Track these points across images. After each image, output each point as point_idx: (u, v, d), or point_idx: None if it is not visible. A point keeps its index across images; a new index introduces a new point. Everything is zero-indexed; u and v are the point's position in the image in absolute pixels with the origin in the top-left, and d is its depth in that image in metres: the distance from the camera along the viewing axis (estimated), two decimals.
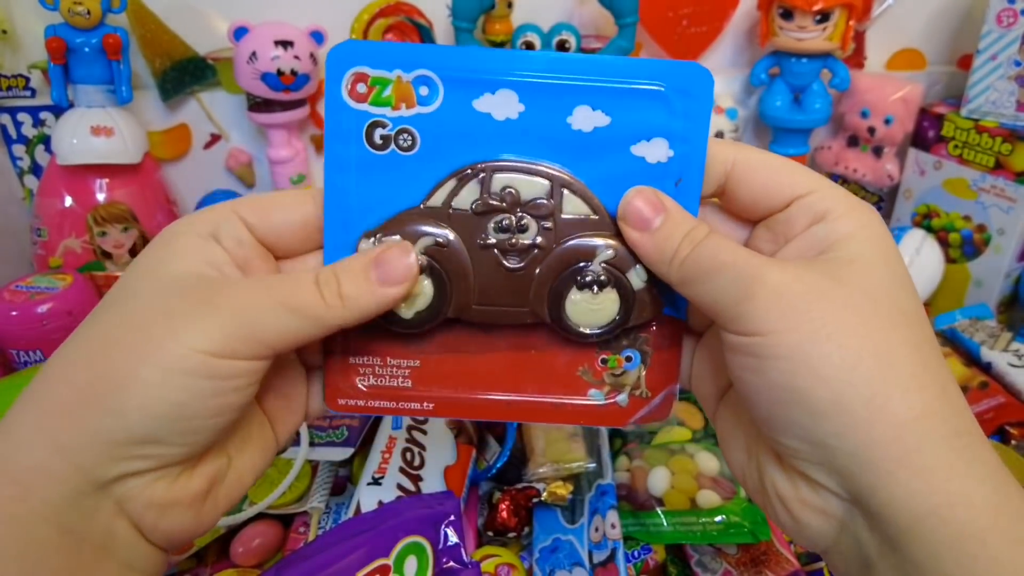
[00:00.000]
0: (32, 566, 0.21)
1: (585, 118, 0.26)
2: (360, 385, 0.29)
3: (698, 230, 0.25)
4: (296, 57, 0.67)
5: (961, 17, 0.78)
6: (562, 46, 0.69)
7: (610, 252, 0.27)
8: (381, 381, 0.29)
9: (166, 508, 0.24)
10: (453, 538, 0.39)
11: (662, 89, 0.26)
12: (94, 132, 0.66)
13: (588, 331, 0.28)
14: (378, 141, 0.26)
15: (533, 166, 0.27)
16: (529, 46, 0.69)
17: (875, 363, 0.21)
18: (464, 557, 0.39)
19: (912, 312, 0.23)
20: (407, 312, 0.27)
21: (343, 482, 0.54)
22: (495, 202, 0.27)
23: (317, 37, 0.70)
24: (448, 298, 0.27)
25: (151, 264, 0.24)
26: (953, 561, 0.20)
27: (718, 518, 0.47)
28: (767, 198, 0.26)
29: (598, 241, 0.27)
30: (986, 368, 0.60)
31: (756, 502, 0.26)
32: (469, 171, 0.27)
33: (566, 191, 0.27)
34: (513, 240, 0.27)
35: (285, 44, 0.67)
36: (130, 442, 0.22)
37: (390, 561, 0.37)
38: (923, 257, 0.72)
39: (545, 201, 0.27)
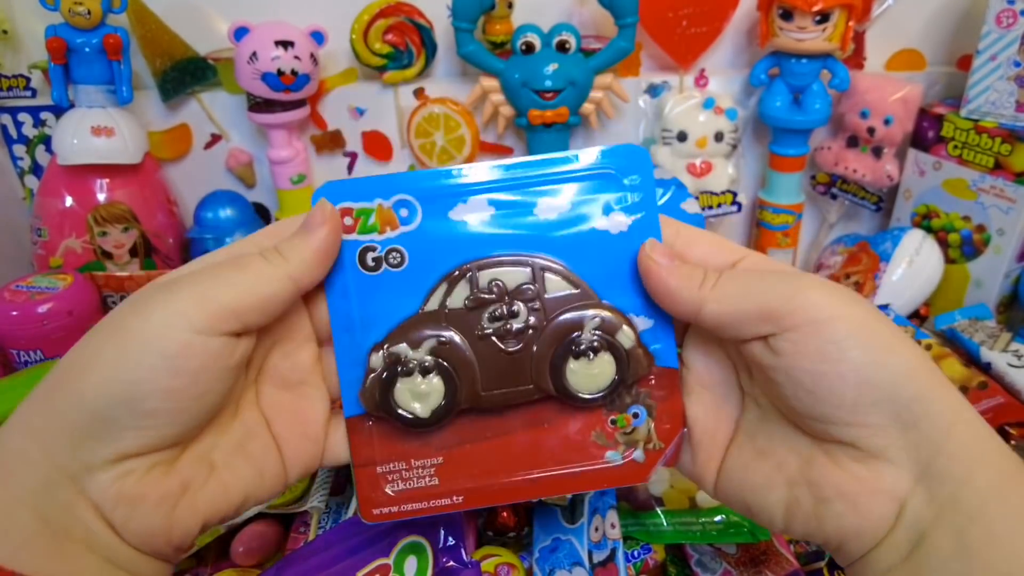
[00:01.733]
0: (15, 548, 0.22)
1: (548, 208, 0.29)
2: (390, 492, 0.30)
3: (716, 270, 0.27)
4: (296, 57, 0.68)
5: (961, 17, 0.78)
6: (562, 46, 0.69)
7: (597, 319, 0.29)
8: (409, 484, 0.30)
9: (135, 503, 0.24)
10: (453, 538, 0.39)
11: (610, 172, 0.29)
12: (95, 132, 0.66)
13: (592, 396, 0.30)
14: (371, 264, 0.29)
15: (513, 257, 0.29)
16: (529, 47, 0.69)
17: (911, 344, 0.25)
18: (464, 557, 0.39)
19: None
20: (424, 411, 0.30)
21: (343, 482, 0.54)
22: (485, 295, 0.29)
23: (317, 37, 0.70)
24: (458, 390, 0.30)
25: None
26: (998, 497, 0.23)
27: (718, 518, 0.47)
28: (713, 260, 0.28)
29: (585, 312, 0.30)
30: (985, 368, 0.60)
31: (809, 529, 0.26)
32: (457, 272, 0.29)
33: (547, 273, 0.30)
34: (508, 326, 0.30)
35: (285, 44, 0.67)
36: (90, 423, 0.23)
37: (390, 561, 0.37)
38: (922, 257, 0.72)
39: (530, 286, 0.29)
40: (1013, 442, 0.54)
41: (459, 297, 0.29)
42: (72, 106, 0.68)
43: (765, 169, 0.80)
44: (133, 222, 0.70)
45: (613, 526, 0.46)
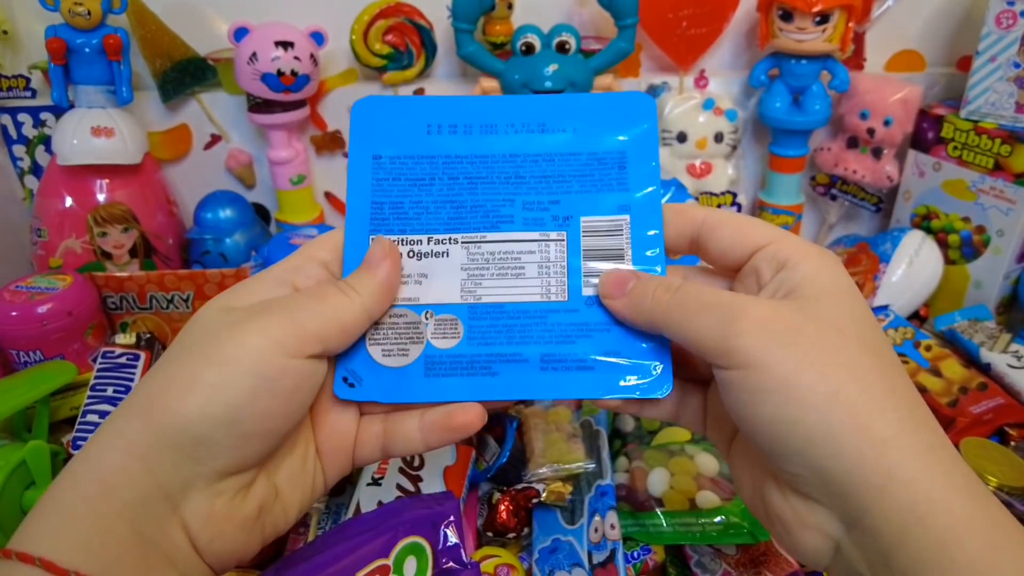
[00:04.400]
0: (111, 560, 0.23)
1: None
2: None
3: (672, 281, 0.28)
4: (296, 58, 0.68)
5: (960, 19, 0.78)
6: (562, 47, 0.69)
7: None
8: None
9: (222, 525, 0.26)
10: (453, 538, 0.39)
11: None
12: (95, 133, 0.66)
13: None
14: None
15: None
16: (529, 47, 0.69)
17: (853, 388, 0.23)
18: (464, 557, 0.39)
19: (875, 340, 0.25)
20: None
21: (343, 482, 0.54)
22: None
23: (317, 38, 0.70)
24: None
25: (222, 296, 0.28)
26: (935, 566, 0.21)
27: (717, 519, 0.47)
28: (733, 249, 0.28)
29: None
30: (985, 369, 0.60)
31: (767, 528, 0.27)
32: None
33: None
34: None
35: (285, 45, 0.67)
36: (192, 445, 0.24)
37: (390, 562, 0.37)
38: (922, 258, 0.72)
39: None
40: (1013, 443, 0.54)
41: None
42: (72, 106, 0.68)
43: (765, 170, 0.80)
44: (133, 222, 0.70)
45: (613, 527, 0.46)
